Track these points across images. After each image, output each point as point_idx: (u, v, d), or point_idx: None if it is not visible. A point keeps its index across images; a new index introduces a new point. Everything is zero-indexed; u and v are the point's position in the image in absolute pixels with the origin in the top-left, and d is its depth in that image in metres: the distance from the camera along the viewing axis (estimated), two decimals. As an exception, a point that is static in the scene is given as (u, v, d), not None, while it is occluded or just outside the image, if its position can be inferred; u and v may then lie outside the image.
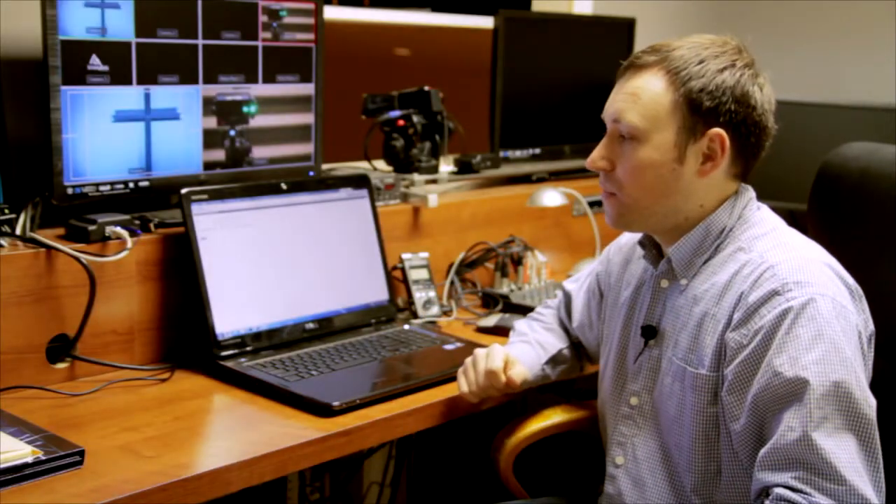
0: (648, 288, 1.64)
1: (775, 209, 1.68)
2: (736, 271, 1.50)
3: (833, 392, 1.34)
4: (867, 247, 1.80)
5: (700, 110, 1.48)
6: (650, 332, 1.60)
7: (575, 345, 1.92)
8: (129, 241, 1.86)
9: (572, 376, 1.95)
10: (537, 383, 1.86)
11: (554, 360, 1.87)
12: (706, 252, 1.55)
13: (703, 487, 1.50)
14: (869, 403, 1.36)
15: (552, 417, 1.91)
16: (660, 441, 1.58)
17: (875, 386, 1.43)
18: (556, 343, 1.89)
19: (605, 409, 1.71)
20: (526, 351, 1.85)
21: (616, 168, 1.55)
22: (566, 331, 1.93)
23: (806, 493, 1.31)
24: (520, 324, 1.98)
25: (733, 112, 1.49)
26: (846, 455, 1.31)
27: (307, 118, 2.27)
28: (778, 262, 1.46)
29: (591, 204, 2.74)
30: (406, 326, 2.19)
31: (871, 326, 1.50)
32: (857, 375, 1.36)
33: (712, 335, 1.49)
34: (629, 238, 1.77)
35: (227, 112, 2.10)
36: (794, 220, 3.63)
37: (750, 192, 1.60)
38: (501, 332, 2.21)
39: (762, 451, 1.37)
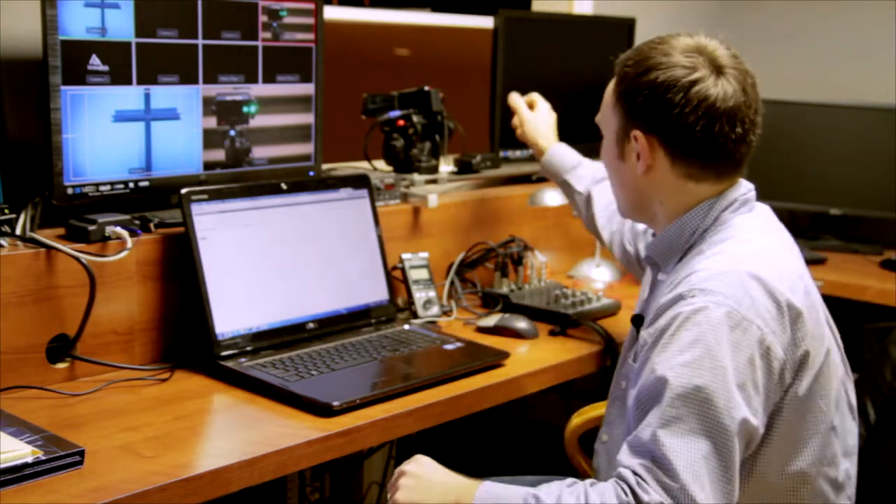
0: (648, 278, 1.72)
1: (775, 209, 1.68)
2: (678, 274, 1.53)
3: (692, 395, 1.35)
4: None
5: (628, 112, 1.56)
6: (639, 321, 1.65)
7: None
8: (129, 241, 1.86)
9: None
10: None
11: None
12: (680, 250, 1.59)
13: None
14: (732, 415, 1.35)
15: None
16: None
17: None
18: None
19: None
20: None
21: None
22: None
23: (643, 481, 1.33)
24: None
25: (649, 113, 1.53)
26: (688, 457, 1.33)
27: (307, 118, 2.27)
28: (701, 269, 1.47)
29: (591, 204, 2.73)
30: (406, 326, 2.19)
31: (805, 347, 1.45)
32: (726, 384, 1.36)
33: (643, 332, 1.54)
34: None
35: (227, 112, 2.10)
36: (794, 219, 3.62)
37: (737, 193, 1.58)
38: (501, 332, 2.21)
39: (629, 436, 1.40)
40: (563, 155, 2.28)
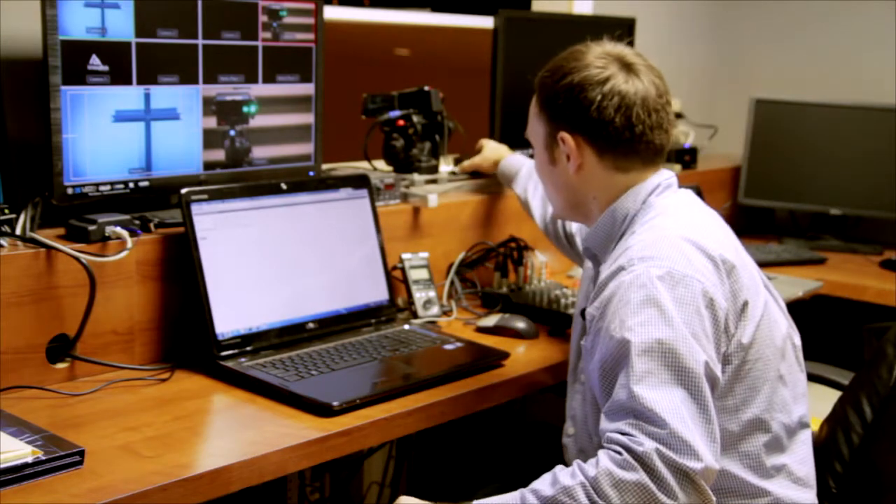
0: (589, 273, 1.81)
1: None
2: (615, 253, 1.62)
3: (656, 349, 1.43)
4: None
5: (551, 116, 1.69)
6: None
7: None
8: (129, 241, 1.86)
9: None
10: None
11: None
12: (615, 237, 1.69)
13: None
14: (696, 359, 1.43)
15: None
16: (587, 411, 1.70)
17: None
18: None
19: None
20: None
21: None
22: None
23: (632, 436, 1.38)
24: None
25: (568, 113, 1.65)
26: (669, 404, 1.39)
27: (307, 118, 2.27)
28: (636, 243, 1.58)
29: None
30: (406, 326, 2.19)
31: (744, 296, 1.56)
32: (683, 334, 1.44)
33: (588, 309, 1.61)
34: None
35: (227, 112, 2.10)
36: (794, 219, 3.61)
37: (660, 179, 1.69)
38: (501, 332, 2.21)
39: (605, 405, 1.46)
40: (507, 165, 2.49)
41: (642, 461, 1.35)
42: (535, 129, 1.74)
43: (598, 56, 1.65)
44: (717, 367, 1.48)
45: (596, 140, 1.65)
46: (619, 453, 1.37)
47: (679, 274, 1.49)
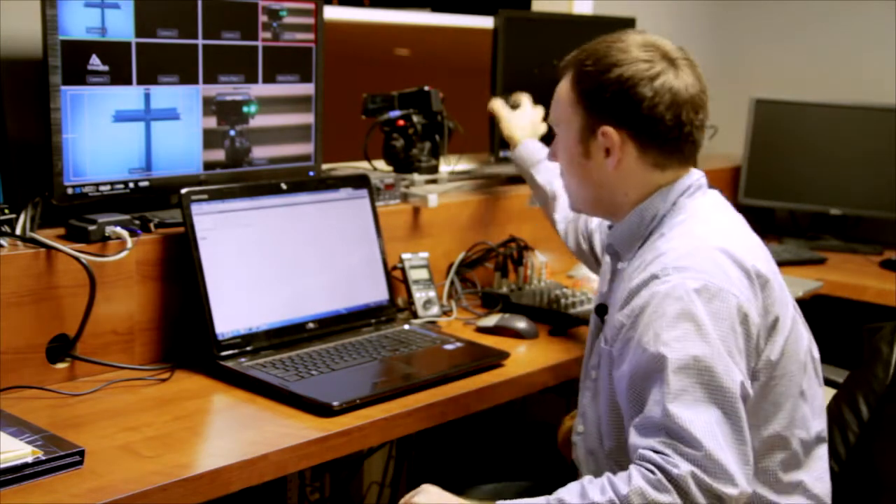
0: (608, 269, 1.75)
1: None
2: (644, 257, 1.58)
3: (692, 366, 1.39)
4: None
5: (592, 108, 1.61)
6: (602, 311, 1.69)
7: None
8: (129, 241, 1.86)
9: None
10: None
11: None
12: (641, 237, 1.64)
13: (617, 453, 1.58)
14: (732, 378, 1.40)
15: None
16: (599, 412, 1.67)
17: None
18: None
19: None
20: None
21: None
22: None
23: (666, 455, 1.35)
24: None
25: (618, 108, 1.58)
26: (704, 423, 1.36)
27: (307, 118, 2.27)
28: (670, 249, 1.54)
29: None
30: (406, 326, 2.19)
31: (775, 311, 1.54)
32: (719, 351, 1.41)
33: (616, 315, 1.57)
34: None
35: (227, 112, 2.10)
36: (794, 219, 3.61)
37: (691, 180, 1.65)
38: (501, 332, 2.21)
39: (635, 420, 1.43)
40: (531, 149, 2.34)
41: (677, 484, 1.33)
42: (568, 118, 1.65)
43: (642, 48, 1.59)
44: (749, 385, 1.45)
45: (641, 137, 1.59)
46: (653, 472, 1.34)
47: (715, 287, 1.45)
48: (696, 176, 1.66)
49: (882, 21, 3.52)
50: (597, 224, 2.11)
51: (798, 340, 1.59)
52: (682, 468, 1.33)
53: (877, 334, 1.94)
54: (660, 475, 1.34)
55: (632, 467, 1.38)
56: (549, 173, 2.25)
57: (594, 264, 2.12)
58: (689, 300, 1.44)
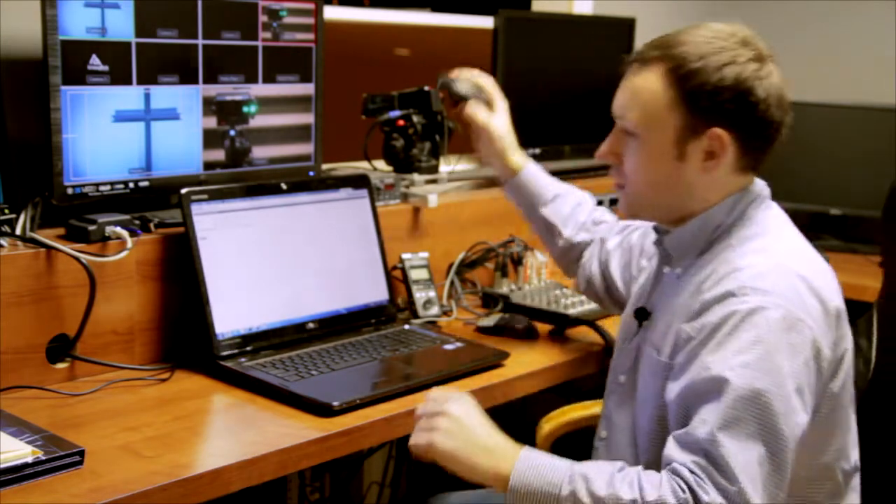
0: (652, 272, 1.69)
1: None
2: (715, 268, 1.51)
3: (753, 398, 1.34)
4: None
5: (699, 109, 1.49)
6: (643, 315, 1.63)
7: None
8: (129, 241, 1.86)
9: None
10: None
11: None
12: (700, 245, 1.57)
13: (654, 466, 1.52)
14: (790, 421, 1.36)
15: (593, 409, 1.90)
16: (632, 420, 1.62)
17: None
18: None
19: None
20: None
21: (623, 162, 1.58)
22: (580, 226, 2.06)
23: (700, 479, 1.32)
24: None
25: (734, 110, 1.49)
26: (745, 460, 1.32)
27: (307, 118, 2.27)
28: (746, 266, 1.46)
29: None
30: (406, 326, 2.19)
31: (844, 346, 1.49)
32: (785, 390, 1.36)
33: (676, 325, 1.51)
34: None
35: (227, 112, 2.10)
36: (794, 219, 3.60)
37: (758, 190, 1.59)
38: (501, 332, 2.21)
39: (677, 432, 1.39)
40: (541, 183, 2.07)
41: None
42: (658, 119, 1.51)
43: (743, 45, 1.52)
44: (809, 421, 1.41)
45: (749, 139, 1.52)
46: (683, 491, 1.32)
47: (794, 318, 1.39)
48: (760, 185, 1.60)
49: (882, 21, 3.52)
50: (615, 244, 1.99)
51: (853, 371, 1.54)
52: (712, 498, 1.30)
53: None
54: (689, 496, 1.31)
55: (664, 475, 1.35)
56: (558, 203, 2.07)
57: (610, 303, 2.03)
58: (767, 328, 1.37)
